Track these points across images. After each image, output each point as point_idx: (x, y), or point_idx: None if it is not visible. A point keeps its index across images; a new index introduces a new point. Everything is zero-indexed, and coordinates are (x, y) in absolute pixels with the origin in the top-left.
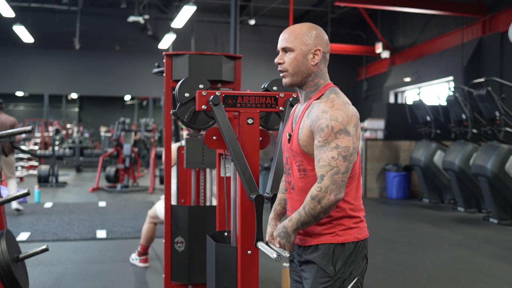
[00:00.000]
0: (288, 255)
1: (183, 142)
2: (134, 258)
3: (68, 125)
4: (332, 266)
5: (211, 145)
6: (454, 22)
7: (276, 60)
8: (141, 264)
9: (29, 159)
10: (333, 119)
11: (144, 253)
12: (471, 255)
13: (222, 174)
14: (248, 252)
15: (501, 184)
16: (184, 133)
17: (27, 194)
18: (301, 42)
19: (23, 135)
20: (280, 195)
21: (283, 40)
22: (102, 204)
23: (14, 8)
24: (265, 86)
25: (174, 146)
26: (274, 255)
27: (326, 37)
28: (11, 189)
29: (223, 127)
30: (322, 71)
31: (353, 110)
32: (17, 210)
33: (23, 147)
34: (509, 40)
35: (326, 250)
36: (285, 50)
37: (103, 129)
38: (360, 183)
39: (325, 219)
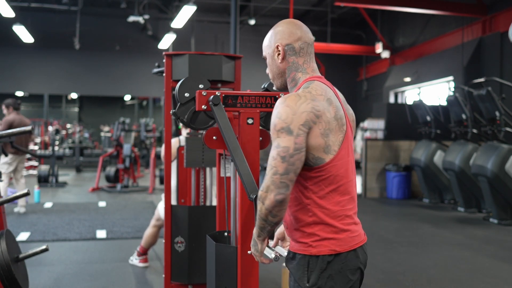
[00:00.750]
0: (286, 254)
1: (181, 138)
2: (133, 258)
3: (68, 125)
4: (306, 280)
5: (211, 145)
6: (454, 22)
7: (267, 71)
8: (141, 264)
9: (29, 159)
10: (277, 116)
11: (143, 253)
12: (471, 255)
13: (222, 174)
14: (248, 252)
15: (501, 184)
16: (184, 132)
17: (27, 194)
18: (266, 47)
19: (35, 135)
20: None
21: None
22: (102, 204)
23: (14, 8)
24: (265, 86)
25: (174, 140)
26: (272, 255)
27: (289, 28)
28: (21, 190)
29: (223, 127)
30: (295, 63)
31: (306, 107)
32: (19, 213)
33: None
34: (509, 40)
35: (301, 261)
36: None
37: (105, 129)
38: (350, 186)
39: (298, 224)
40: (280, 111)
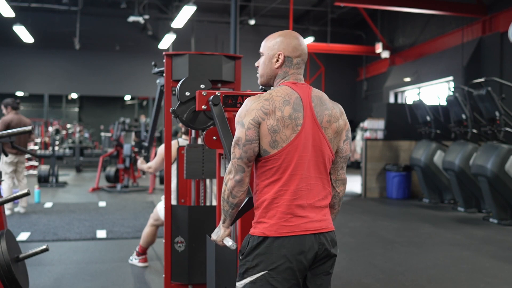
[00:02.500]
0: (230, 244)
1: (180, 140)
2: (133, 258)
3: (68, 125)
4: (241, 253)
5: (211, 145)
6: (454, 22)
7: (255, 63)
8: (140, 264)
9: (29, 159)
10: (237, 113)
11: (142, 253)
12: (471, 255)
13: (222, 174)
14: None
15: (501, 184)
16: (183, 135)
17: (27, 194)
18: (268, 48)
19: (36, 135)
20: None
21: (261, 46)
22: (102, 204)
23: (14, 8)
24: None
25: (173, 142)
26: (230, 243)
27: (295, 42)
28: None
29: (221, 127)
30: (286, 73)
31: (256, 105)
32: (19, 213)
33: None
34: (509, 40)
35: (247, 238)
36: (260, 54)
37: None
38: (295, 180)
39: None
40: (240, 108)
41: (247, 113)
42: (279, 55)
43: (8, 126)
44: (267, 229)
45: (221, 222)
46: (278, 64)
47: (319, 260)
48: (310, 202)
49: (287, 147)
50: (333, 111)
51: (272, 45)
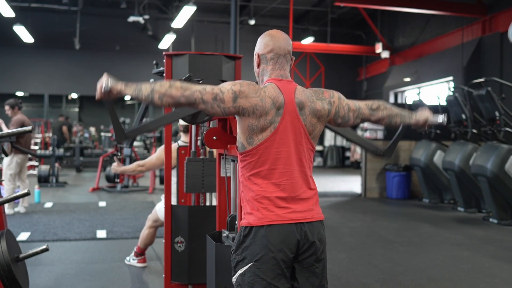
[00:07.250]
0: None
1: (180, 142)
2: (131, 259)
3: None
4: (232, 248)
5: (210, 145)
6: (454, 22)
7: None
8: (139, 265)
9: (29, 159)
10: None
11: (141, 253)
12: (471, 255)
13: (222, 174)
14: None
15: (501, 184)
16: (183, 137)
17: (27, 194)
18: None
19: (37, 135)
20: None
21: None
22: (102, 204)
23: (14, 8)
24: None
25: (173, 146)
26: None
27: (266, 39)
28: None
29: None
30: (264, 70)
31: (253, 88)
32: (19, 213)
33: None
34: (509, 40)
35: (239, 231)
36: None
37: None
38: (274, 174)
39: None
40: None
41: (236, 82)
42: (255, 55)
43: (22, 125)
44: (251, 219)
45: (121, 86)
46: (256, 64)
47: (304, 251)
48: (293, 195)
49: (263, 143)
50: (316, 106)
51: (255, 48)
